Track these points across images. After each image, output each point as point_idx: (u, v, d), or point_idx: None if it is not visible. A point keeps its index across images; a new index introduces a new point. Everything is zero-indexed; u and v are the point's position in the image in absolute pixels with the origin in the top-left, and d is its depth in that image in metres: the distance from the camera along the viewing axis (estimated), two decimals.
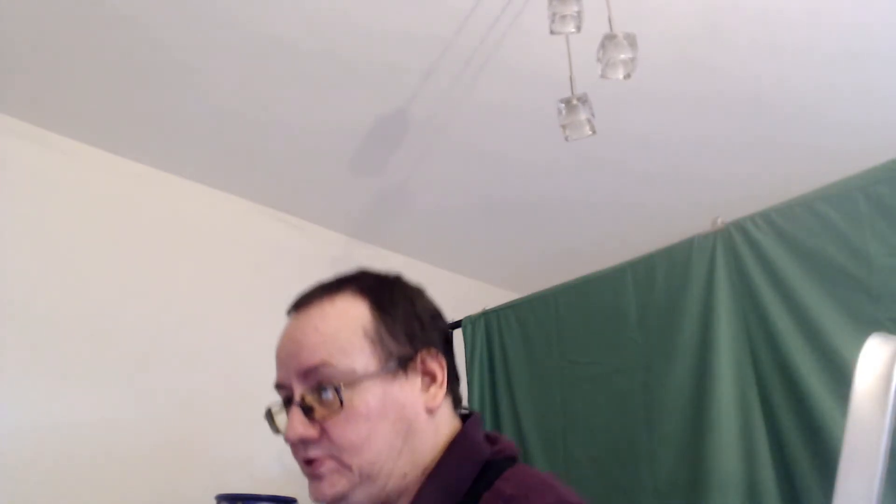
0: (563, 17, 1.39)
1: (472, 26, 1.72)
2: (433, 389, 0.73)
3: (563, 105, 1.48)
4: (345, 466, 0.68)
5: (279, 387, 0.73)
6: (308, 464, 0.70)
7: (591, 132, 1.48)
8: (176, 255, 2.19)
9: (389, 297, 0.75)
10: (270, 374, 0.74)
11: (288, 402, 0.72)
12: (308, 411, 0.69)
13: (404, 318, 0.74)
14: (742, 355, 1.44)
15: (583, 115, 1.47)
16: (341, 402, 0.67)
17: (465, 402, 0.81)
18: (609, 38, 1.36)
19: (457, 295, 2.98)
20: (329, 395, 0.68)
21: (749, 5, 1.69)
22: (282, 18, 1.68)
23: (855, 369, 0.76)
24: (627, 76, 1.39)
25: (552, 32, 1.42)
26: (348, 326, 0.71)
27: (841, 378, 1.24)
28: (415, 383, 0.72)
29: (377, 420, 0.68)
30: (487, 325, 2.07)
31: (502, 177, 2.36)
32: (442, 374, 0.74)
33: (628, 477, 1.58)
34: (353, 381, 0.68)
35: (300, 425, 0.68)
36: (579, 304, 1.80)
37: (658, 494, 1.51)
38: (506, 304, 2.06)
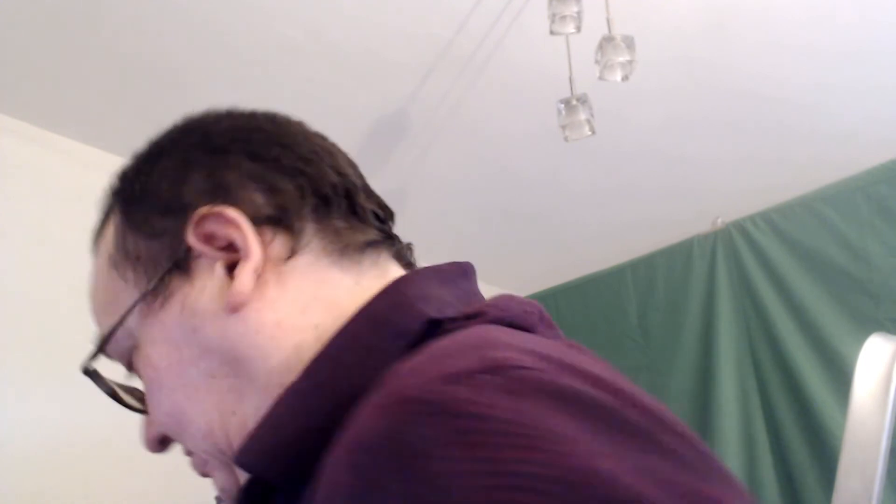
0: (563, 17, 1.40)
1: (472, 26, 1.72)
2: (240, 269, 0.41)
3: (562, 105, 1.48)
4: (197, 454, 0.46)
5: None
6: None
7: (590, 132, 1.48)
8: None
9: (136, 173, 0.46)
10: None
11: None
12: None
13: (153, 188, 0.45)
14: (742, 355, 1.44)
15: (582, 116, 1.47)
16: (136, 374, 0.45)
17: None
18: (607, 41, 1.36)
19: None
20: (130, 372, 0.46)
21: (750, 4, 1.69)
22: (281, 18, 1.68)
23: (855, 369, 0.76)
24: (625, 78, 1.39)
25: (552, 33, 1.42)
26: (102, 268, 0.46)
27: (841, 378, 1.24)
28: (210, 278, 0.42)
29: (172, 374, 0.43)
30: None
31: (502, 177, 2.35)
32: (244, 236, 0.41)
33: None
34: (125, 337, 0.44)
35: (143, 426, 0.47)
36: (579, 304, 1.81)
37: None
38: None
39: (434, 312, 0.38)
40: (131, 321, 0.43)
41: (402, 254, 0.49)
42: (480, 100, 1.98)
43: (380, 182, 2.16)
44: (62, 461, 1.79)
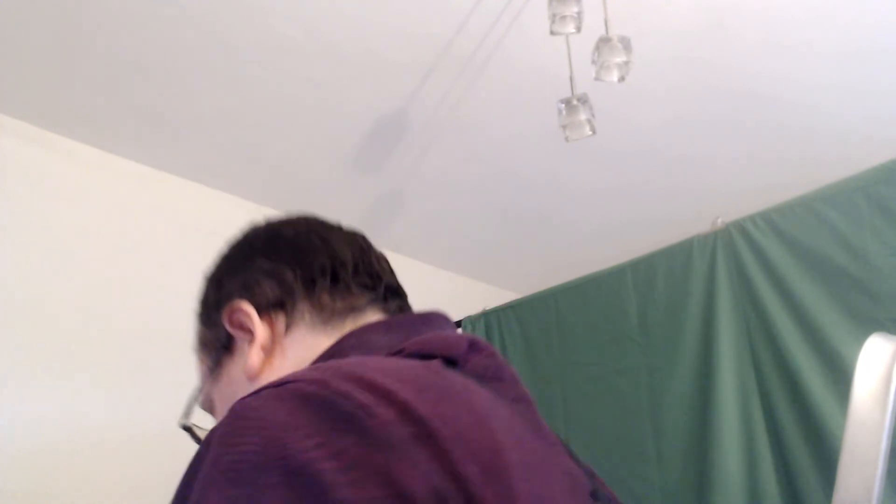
0: (563, 17, 1.39)
1: (472, 26, 1.72)
2: (250, 348, 0.55)
3: (563, 105, 1.48)
4: None
5: None
6: None
7: (591, 132, 1.48)
8: (176, 255, 2.19)
9: (206, 281, 0.64)
10: None
11: None
12: None
13: (205, 296, 0.62)
14: (742, 355, 1.44)
15: (583, 116, 1.47)
16: None
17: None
18: (604, 41, 1.36)
19: (457, 295, 2.99)
20: None
21: (750, 4, 1.69)
22: (281, 18, 1.68)
23: (855, 369, 0.76)
24: (622, 79, 1.39)
25: (552, 33, 1.42)
26: (194, 353, 0.64)
27: (841, 378, 1.24)
28: (242, 355, 0.57)
29: None
30: (487, 325, 2.07)
31: (502, 177, 2.35)
32: (251, 321, 0.55)
33: (635, 477, 1.58)
34: (207, 400, 0.61)
35: None
36: (579, 305, 1.80)
37: (665, 494, 1.51)
38: (506, 304, 2.06)
39: (361, 355, 0.49)
40: (207, 388, 0.59)
41: (390, 310, 0.59)
42: (480, 100, 1.98)
43: (380, 182, 2.16)
44: (61, 459, 1.79)
